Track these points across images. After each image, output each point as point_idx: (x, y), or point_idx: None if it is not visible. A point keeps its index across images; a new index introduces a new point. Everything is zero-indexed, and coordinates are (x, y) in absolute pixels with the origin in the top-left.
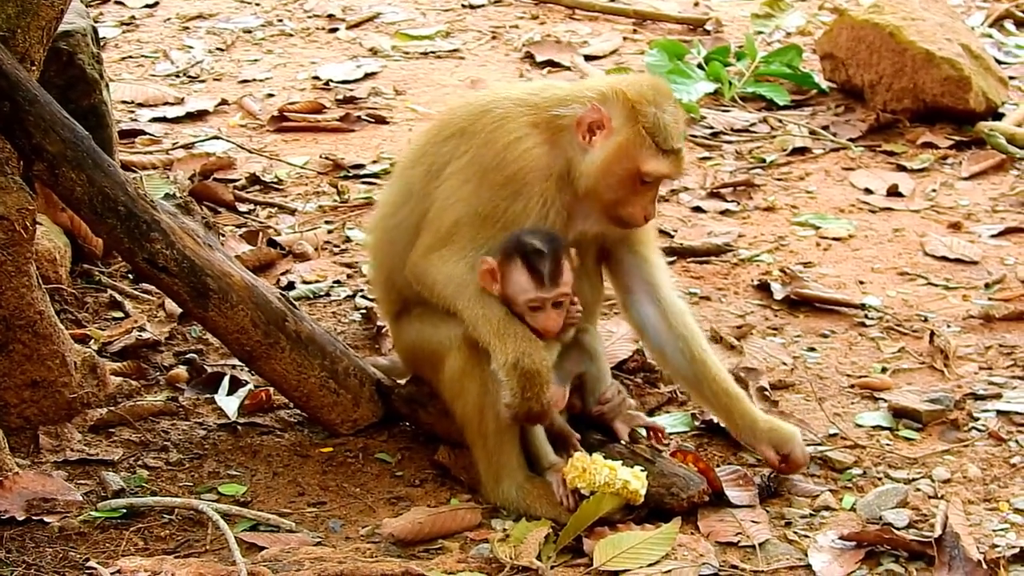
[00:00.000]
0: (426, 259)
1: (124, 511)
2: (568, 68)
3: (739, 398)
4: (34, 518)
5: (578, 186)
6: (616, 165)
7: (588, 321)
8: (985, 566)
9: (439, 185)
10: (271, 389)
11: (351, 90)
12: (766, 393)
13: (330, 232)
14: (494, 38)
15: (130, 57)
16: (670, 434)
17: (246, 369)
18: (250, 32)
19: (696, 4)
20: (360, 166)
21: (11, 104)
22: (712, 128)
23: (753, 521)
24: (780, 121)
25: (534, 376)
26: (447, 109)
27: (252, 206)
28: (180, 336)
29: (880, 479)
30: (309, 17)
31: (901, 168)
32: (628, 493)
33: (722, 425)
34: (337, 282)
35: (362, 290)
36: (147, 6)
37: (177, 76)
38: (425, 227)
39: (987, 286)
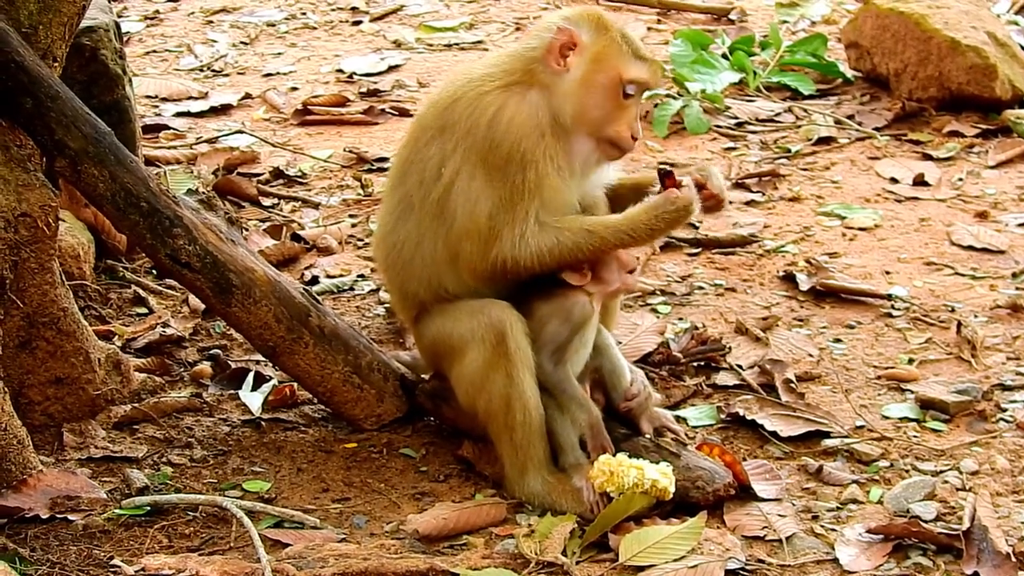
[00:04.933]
0: (490, 255)
1: (148, 508)
2: None
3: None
4: (58, 516)
5: (565, 118)
6: (597, 75)
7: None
8: (1014, 559)
9: (445, 194)
10: (295, 385)
11: (375, 83)
12: (792, 385)
13: (354, 226)
14: (518, 29)
15: (154, 51)
16: (695, 427)
17: (270, 365)
18: (274, 25)
19: None
20: (384, 159)
21: (33, 100)
22: (737, 118)
23: (779, 515)
24: (805, 111)
25: (682, 211)
26: (416, 117)
27: (276, 200)
28: (204, 332)
29: (907, 471)
30: (333, 10)
31: (927, 157)
32: (657, 491)
33: None
34: (361, 276)
35: None
36: (171, 0)
37: (201, 70)
38: (463, 239)
39: (1014, 275)
